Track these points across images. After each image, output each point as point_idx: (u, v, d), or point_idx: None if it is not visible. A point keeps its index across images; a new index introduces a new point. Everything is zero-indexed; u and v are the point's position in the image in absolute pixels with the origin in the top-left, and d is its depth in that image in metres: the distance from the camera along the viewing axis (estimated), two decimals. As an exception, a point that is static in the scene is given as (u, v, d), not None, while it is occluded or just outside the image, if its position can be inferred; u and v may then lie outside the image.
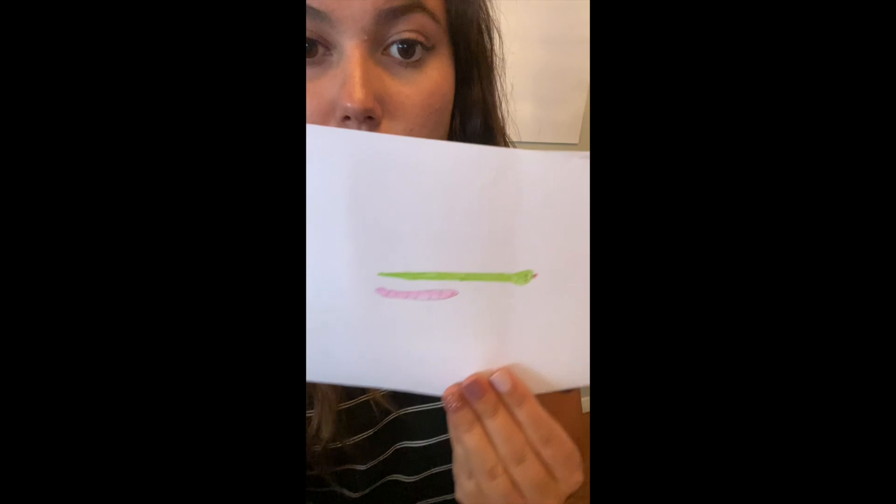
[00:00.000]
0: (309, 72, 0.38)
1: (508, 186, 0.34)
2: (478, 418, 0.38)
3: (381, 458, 0.51)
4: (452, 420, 0.39)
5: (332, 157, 0.33)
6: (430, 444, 0.54)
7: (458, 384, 0.38)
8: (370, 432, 0.50)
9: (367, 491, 0.51)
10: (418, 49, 0.40)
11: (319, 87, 0.38)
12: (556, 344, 0.38)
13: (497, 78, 0.53)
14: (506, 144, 0.55)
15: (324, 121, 0.39)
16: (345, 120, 0.38)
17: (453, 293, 0.37)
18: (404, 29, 0.39)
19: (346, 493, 0.50)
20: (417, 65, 0.40)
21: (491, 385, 0.38)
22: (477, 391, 0.37)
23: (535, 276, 0.37)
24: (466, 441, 0.38)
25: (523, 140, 0.59)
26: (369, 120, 0.38)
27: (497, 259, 0.36)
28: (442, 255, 0.36)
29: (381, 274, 0.36)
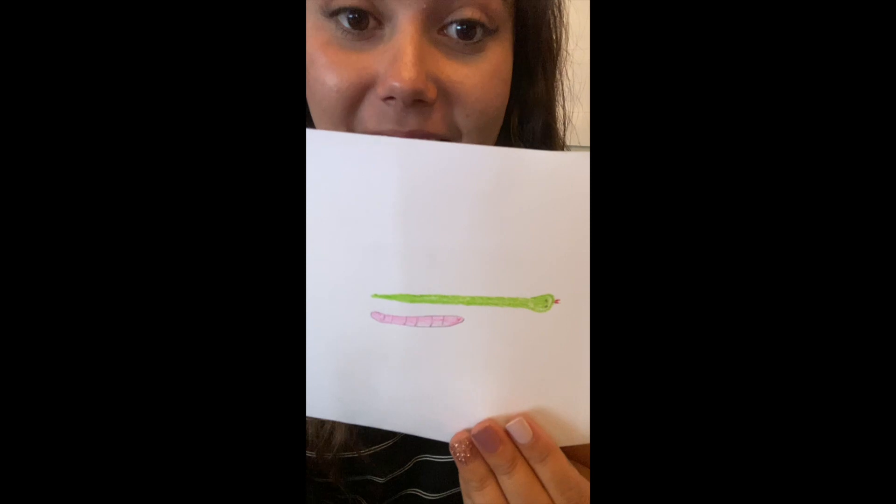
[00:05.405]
0: (355, 45, 0.34)
1: (514, 190, 0.28)
2: (491, 474, 0.31)
3: (401, 470, 0.46)
4: (462, 473, 0.32)
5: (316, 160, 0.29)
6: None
7: (468, 430, 0.32)
8: (389, 442, 0.45)
9: None
10: (479, 31, 0.35)
11: (363, 61, 0.34)
12: (584, 385, 0.30)
13: (562, 75, 0.46)
14: (562, 149, 0.49)
15: (359, 96, 0.34)
16: (387, 100, 0.33)
17: (458, 320, 0.31)
18: (467, 4, 0.33)
19: (364, 503, 0.45)
20: (477, 48, 0.35)
21: (507, 435, 0.31)
22: (490, 442, 0.31)
23: (556, 301, 0.30)
24: (478, 501, 0.32)
25: (583, 145, 0.52)
26: (419, 104, 0.33)
27: (507, 280, 0.30)
28: (444, 275, 0.30)
29: (376, 296, 0.31)
